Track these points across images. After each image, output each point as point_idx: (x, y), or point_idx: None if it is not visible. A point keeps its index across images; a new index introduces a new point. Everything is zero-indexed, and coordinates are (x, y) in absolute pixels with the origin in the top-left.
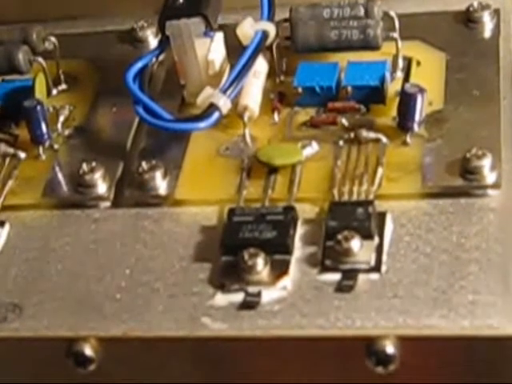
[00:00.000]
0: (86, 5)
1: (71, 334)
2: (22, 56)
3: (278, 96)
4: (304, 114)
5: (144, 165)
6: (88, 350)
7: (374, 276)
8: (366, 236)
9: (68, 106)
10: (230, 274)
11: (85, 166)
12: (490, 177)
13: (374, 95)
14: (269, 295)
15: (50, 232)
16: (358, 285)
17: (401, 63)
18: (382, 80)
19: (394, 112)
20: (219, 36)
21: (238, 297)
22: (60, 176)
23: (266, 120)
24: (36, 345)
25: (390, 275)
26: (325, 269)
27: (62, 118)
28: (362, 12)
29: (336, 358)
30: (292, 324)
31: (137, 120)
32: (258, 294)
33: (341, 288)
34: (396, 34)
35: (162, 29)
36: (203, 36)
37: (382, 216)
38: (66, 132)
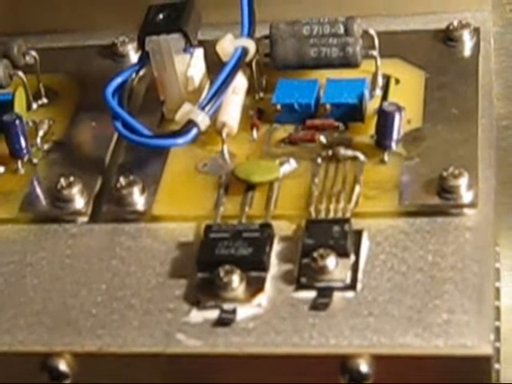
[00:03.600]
0: (67, 19)
1: (46, 349)
2: (1, 70)
3: (257, 113)
4: (283, 131)
5: (122, 180)
6: (63, 366)
7: (350, 294)
8: (342, 254)
9: (48, 120)
10: (206, 290)
11: (63, 181)
12: (466, 196)
13: (352, 113)
14: (244, 312)
15: (27, 246)
16: (333, 303)
17: (380, 81)
18: (361, 98)
19: (372, 130)
20: (199, 52)
21: (213, 313)
22: (38, 190)
23: (245, 136)
24: (11, 360)
25: (366, 293)
26: (300, 286)
27: (41, 133)
28: (341, 30)
29: (310, 376)
30: (266, 341)
31: (116, 135)
32: (233, 311)
33: (316, 306)
34: (375, 52)
35: (141, 44)
36: (183, 52)
37: (358, 234)
38: (46, 146)
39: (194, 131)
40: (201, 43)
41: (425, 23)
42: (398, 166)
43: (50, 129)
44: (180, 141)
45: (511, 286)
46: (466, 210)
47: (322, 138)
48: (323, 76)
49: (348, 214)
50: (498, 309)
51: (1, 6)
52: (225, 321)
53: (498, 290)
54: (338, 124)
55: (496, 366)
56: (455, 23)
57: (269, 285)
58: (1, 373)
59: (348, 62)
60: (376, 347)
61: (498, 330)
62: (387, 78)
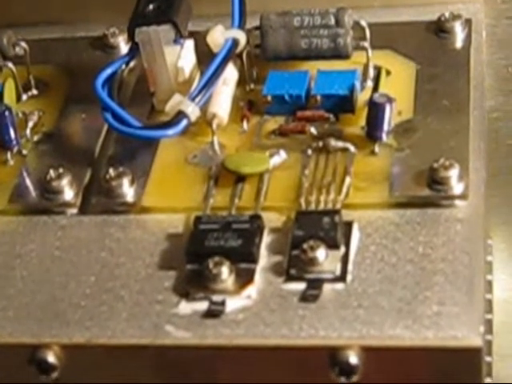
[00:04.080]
0: (58, 10)
1: (34, 341)
2: None
3: (248, 104)
4: (273, 123)
5: (111, 171)
6: (51, 358)
7: (339, 286)
8: (332, 245)
9: (37, 111)
10: (195, 282)
11: (52, 172)
12: (457, 187)
13: (343, 104)
14: (233, 304)
15: (16, 238)
16: (323, 294)
17: (371, 72)
18: (352, 89)
19: (363, 121)
20: (189, 43)
21: (203, 305)
22: (28, 182)
23: (235, 128)
24: None
25: (355, 285)
26: (290, 278)
27: (31, 124)
28: (332, 21)
29: (299, 368)
30: (256, 333)
31: (106, 126)
32: (223, 303)
33: (305, 297)
34: (366, 44)
35: (131, 35)
36: (173, 43)
37: (348, 225)
38: (35, 138)
39: (184, 122)
40: (191, 34)
41: (416, 15)
42: (388, 158)
43: (40, 120)
44: (170, 132)
45: (503, 279)
46: (457, 202)
47: (313, 130)
48: (314, 67)
49: (338, 206)
50: (489, 302)
51: None
52: (214, 312)
53: (489, 283)
54: (328, 115)
55: (487, 358)
56: (447, 15)
57: (258, 276)
58: None
59: (339, 54)
60: (365, 339)
61: (489, 323)
62: (378, 70)
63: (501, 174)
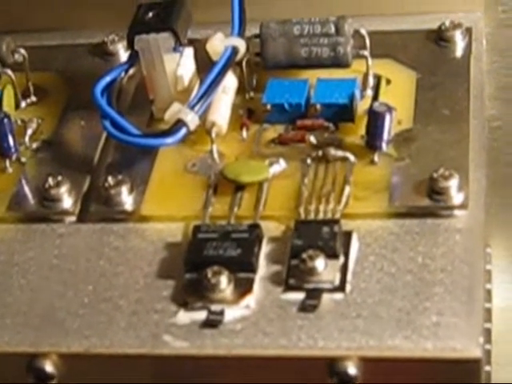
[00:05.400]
0: (57, 17)
1: (32, 350)
2: None
3: (247, 112)
4: (272, 131)
5: (110, 180)
6: (49, 367)
7: (338, 296)
8: (331, 255)
9: (36, 118)
10: (194, 291)
11: (50, 180)
12: (457, 197)
13: (342, 113)
14: (232, 314)
15: (14, 246)
16: (322, 304)
17: (371, 81)
18: (352, 98)
19: (362, 130)
20: (189, 51)
21: (201, 315)
22: (26, 190)
23: (235, 136)
24: None
25: (355, 295)
26: (289, 288)
27: (29, 131)
28: (332, 29)
29: (298, 378)
30: (254, 343)
31: (105, 134)
32: (221, 313)
33: (304, 307)
34: (366, 52)
35: (131, 43)
36: (172, 51)
37: (347, 235)
38: (34, 145)
39: (183, 131)
40: (191, 42)
41: (417, 23)
42: (388, 167)
43: (39, 127)
44: (169, 140)
45: (503, 288)
46: (456, 212)
47: (312, 139)
48: (314, 76)
49: (337, 215)
50: (489, 311)
51: None
52: (212, 322)
53: (489, 292)
54: (328, 124)
55: (487, 368)
56: (447, 23)
57: (257, 286)
58: None
59: (339, 62)
60: (364, 349)
61: (488, 332)
62: (378, 78)
63: (501, 182)
